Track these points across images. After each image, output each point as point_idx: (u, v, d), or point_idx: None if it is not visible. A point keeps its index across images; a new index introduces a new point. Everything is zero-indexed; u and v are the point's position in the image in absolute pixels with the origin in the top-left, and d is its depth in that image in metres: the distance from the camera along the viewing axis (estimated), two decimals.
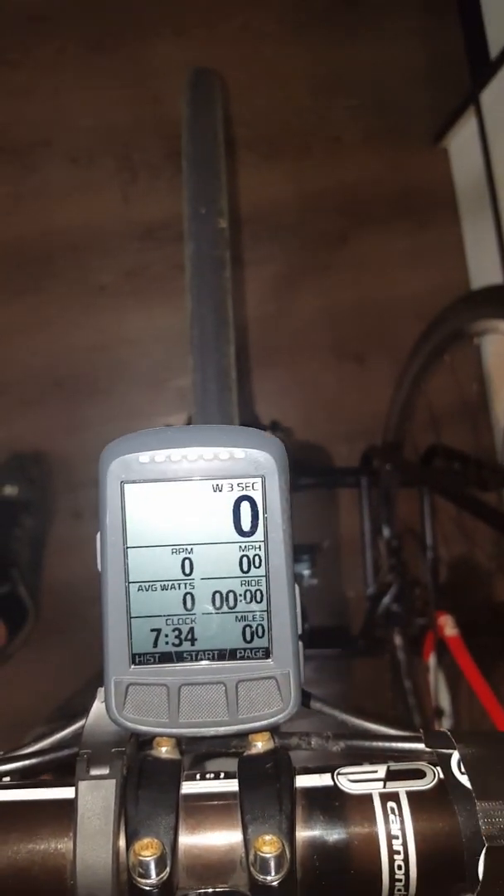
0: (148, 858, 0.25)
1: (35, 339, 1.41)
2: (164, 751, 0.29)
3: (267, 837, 0.25)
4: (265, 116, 1.48)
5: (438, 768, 0.28)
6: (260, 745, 0.29)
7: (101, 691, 0.28)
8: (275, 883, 0.25)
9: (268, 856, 0.25)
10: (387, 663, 1.16)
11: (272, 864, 0.25)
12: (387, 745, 0.30)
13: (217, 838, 0.27)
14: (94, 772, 0.27)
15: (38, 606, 1.32)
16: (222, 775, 0.28)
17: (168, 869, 0.25)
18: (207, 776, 0.28)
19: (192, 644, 0.27)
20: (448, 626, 0.97)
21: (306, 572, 0.56)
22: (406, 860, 0.26)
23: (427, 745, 0.29)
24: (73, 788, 0.27)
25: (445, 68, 1.44)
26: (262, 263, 1.45)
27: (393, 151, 1.48)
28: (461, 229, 1.45)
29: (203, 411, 0.59)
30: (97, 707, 0.29)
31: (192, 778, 0.28)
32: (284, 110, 1.50)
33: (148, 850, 0.25)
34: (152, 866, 0.25)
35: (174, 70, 1.19)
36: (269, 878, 0.25)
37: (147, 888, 0.25)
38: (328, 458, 1.38)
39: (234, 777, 0.28)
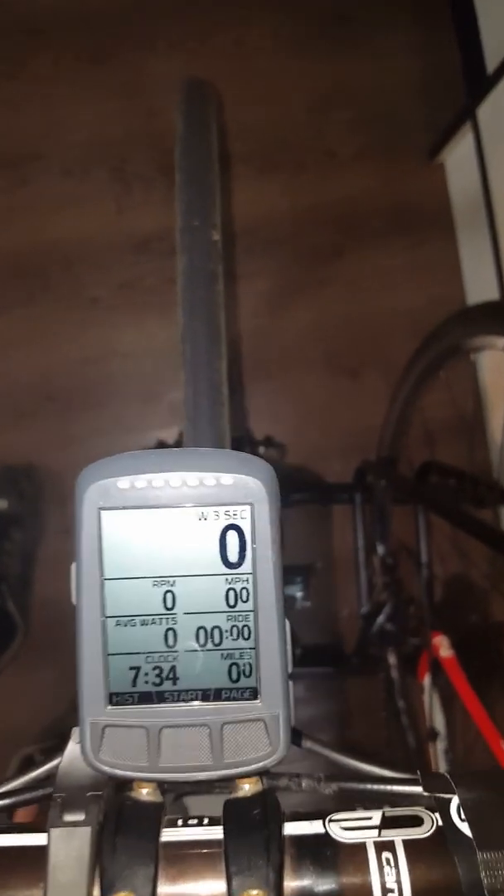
0: None
1: (27, 353, 1.39)
2: (145, 793, 0.27)
3: (253, 892, 0.24)
4: (260, 131, 1.48)
5: (437, 814, 0.27)
6: (247, 787, 0.27)
7: (75, 731, 0.27)
8: None
9: None
10: (380, 682, 1.14)
11: None
12: (382, 787, 0.29)
13: (199, 890, 0.25)
14: (67, 817, 0.26)
15: (28, 622, 1.30)
16: (206, 821, 0.27)
17: None
18: (190, 822, 0.27)
19: (174, 683, 0.26)
20: (443, 647, 0.96)
21: (299, 594, 0.55)
22: None
23: (425, 789, 0.28)
24: (45, 835, 0.25)
25: (442, 83, 1.44)
26: (257, 277, 1.44)
27: (388, 166, 1.48)
28: (457, 245, 1.44)
29: (194, 427, 0.58)
30: (72, 747, 0.27)
31: (174, 824, 0.27)
32: (279, 125, 1.49)
33: None
34: None
35: (168, 83, 1.19)
36: None
37: None
38: (321, 473, 1.36)
39: (218, 823, 0.26)
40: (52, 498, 1.35)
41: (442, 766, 0.99)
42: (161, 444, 1.07)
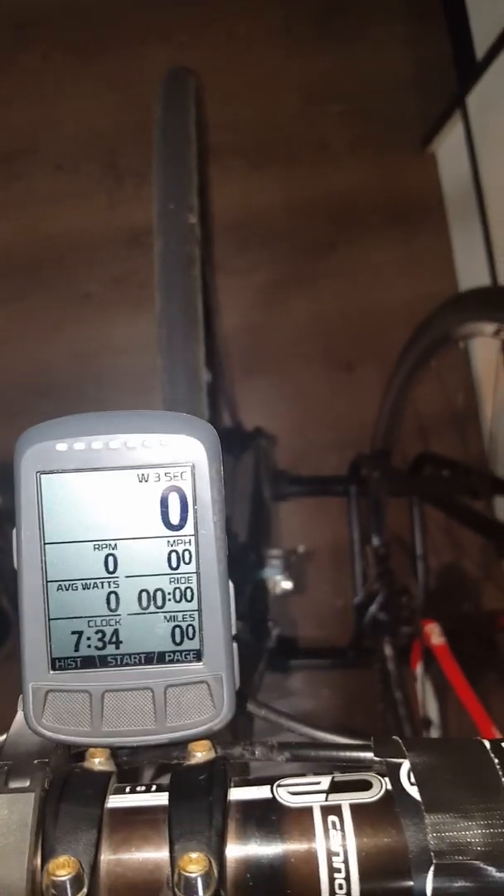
0: (63, 878, 0.23)
1: (20, 348, 1.40)
2: (97, 762, 0.27)
3: (193, 855, 0.23)
4: (253, 123, 1.48)
5: (386, 779, 0.26)
6: (199, 755, 0.27)
7: (21, 699, 0.26)
8: None
9: (193, 875, 0.23)
10: (377, 674, 1.13)
11: (198, 883, 0.23)
12: (335, 753, 0.28)
13: (143, 855, 0.25)
14: (13, 784, 0.25)
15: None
16: (154, 788, 0.26)
17: (85, 889, 0.23)
18: (138, 789, 0.26)
19: (117, 647, 0.25)
20: (435, 635, 0.95)
21: (279, 577, 0.55)
22: (347, 878, 0.24)
23: (376, 755, 0.27)
24: None
25: (432, 74, 1.43)
26: (251, 271, 1.44)
27: (381, 158, 1.47)
28: (449, 235, 1.44)
29: (171, 410, 0.57)
30: (19, 716, 0.27)
31: (122, 791, 0.26)
32: (272, 117, 1.49)
33: (63, 870, 0.23)
34: (67, 887, 0.23)
35: (159, 76, 1.19)
36: None
37: None
38: (317, 466, 1.36)
39: (166, 790, 0.26)
40: None
41: None
42: None
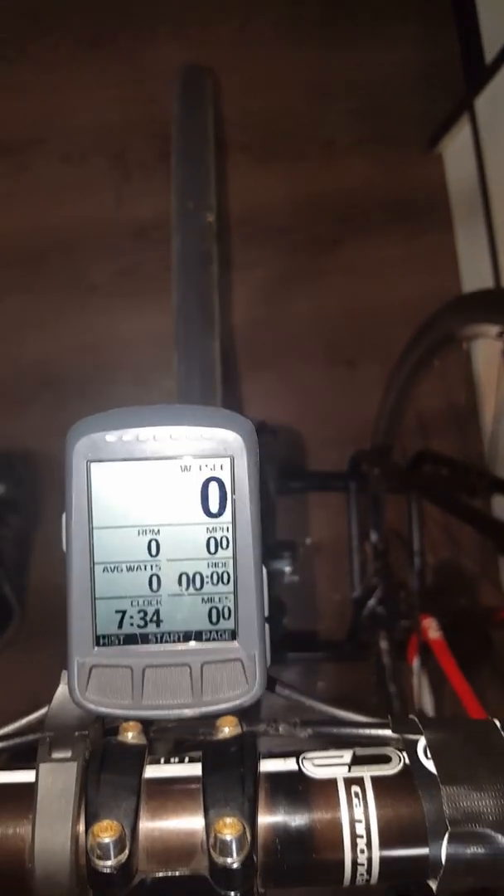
0: (107, 840, 0.25)
1: (25, 339, 1.40)
2: (130, 736, 0.29)
3: (228, 820, 0.25)
4: (260, 119, 1.49)
5: (404, 753, 0.28)
6: (227, 730, 0.29)
7: (64, 674, 0.28)
8: (235, 865, 0.24)
9: (228, 838, 0.25)
10: (372, 667, 1.15)
11: (233, 846, 0.25)
12: (354, 731, 0.30)
13: (178, 822, 0.27)
14: (55, 755, 0.27)
15: (24, 607, 1.31)
16: (187, 759, 0.28)
17: (127, 851, 0.25)
18: (172, 760, 0.28)
19: (158, 626, 0.27)
20: (432, 629, 0.97)
21: (287, 569, 0.56)
22: (369, 844, 0.26)
23: (394, 731, 0.29)
24: (33, 772, 0.27)
25: (441, 74, 1.44)
26: (254, 266, 1.45)
27: (387, 156, 1.49)
28: (454, 235, 1.45)
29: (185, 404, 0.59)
30: (61, 690, 0.29)
31: (157, 762, 0.28)
32: (279, 113, 1.50)
33: (107, 833, 0.25)
34: (111, 848, 0.25)
35: (169, 69, 1.19)
36: (228, 860, 0.25)
37: (106, 870, 0.25)
38: (317, 462, 1.38)
39: (199, 761, 0.28)
40: (49, 484, 1.37)
41: None
42: None
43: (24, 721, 0.32)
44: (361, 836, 0.26)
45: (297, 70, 1.49)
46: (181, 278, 0.62)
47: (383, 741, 0.29)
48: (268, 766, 0.28)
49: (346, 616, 1.19)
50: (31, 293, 1.42)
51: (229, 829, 0.25)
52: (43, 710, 0.31)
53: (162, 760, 0.28)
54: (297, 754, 0.28)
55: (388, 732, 0.29)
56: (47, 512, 1.37)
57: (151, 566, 0.27)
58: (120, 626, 0.27)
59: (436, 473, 1.11)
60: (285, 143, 1.49)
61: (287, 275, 1.46)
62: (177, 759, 0.28)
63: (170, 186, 0.71)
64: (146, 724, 0.29)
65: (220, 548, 0.27)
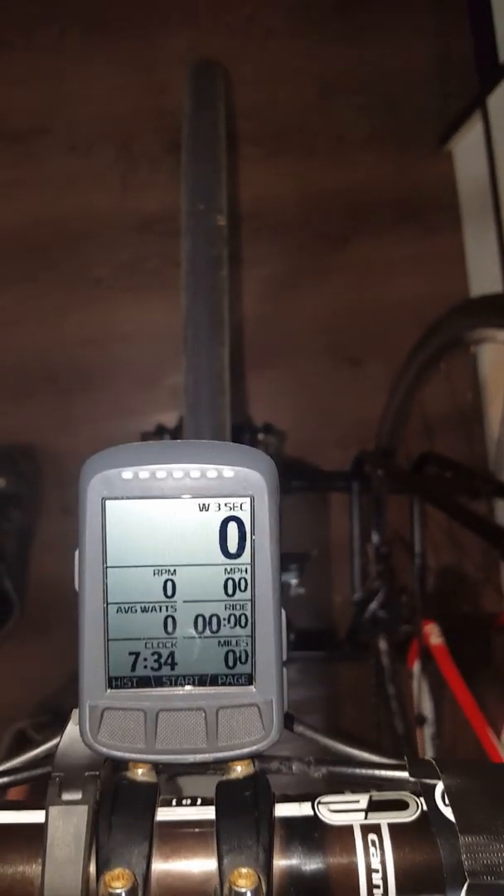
0: (119, 890, 0.24)
1: (28, 332, 1.39)
2: (141, 773, 0.28)
3: (243, 870, 0.25)
4: (269, 112, 1.47)
5: (422, 799, 0.27)
6: (240, 769, 0.28)
7: (75, 713, 0.27)
8: None
9: (243, 889, 0.24)
10: (371, 668, 1.15)
11: None
12: (369, 772, 0.29)
13: (192, 867, 0.26)
14: (66, 796, 0.26)
15: (24, 600, 1.31)
16: (199, 801, 0.28)
17: None
18: (184, 802, 0.28)
19: (172, 669, 0.26)
20: (433, 635, 0.97)
21: (294, 581, 0.56)
22: (385, 893, 0.25)
23: (411, 775, 0.28)
24: (42, 812, 0.26)
25: (454, 70, 1.42)
26: (261, 262, 1.44)
27: (397, 153, 1.47)
28: (463, 235, 1.44)
29: (194, 416, 0.58)
30: (71, 728, 0.28)
31: (169, 804, 0.28)
32: (289, 106, 1.48)
33: (119, 882, 0.24)
34: None
35: (178, 59, 1.17)
36: None
37: None
38: (320, 461, 1.37)
39: (211, 804, 0.27)
40: (51, 478, 1.36)
41: (429, 752, 1.01)
42: (161, 428, 1.08)
43: (32, 753, 0.31)
44: (378, 887, 0.25)
45: (308, 63, 1.47)
46: (191, 282, 0.61)
47: (399, 784, 0.29)
48: (282, 810, 0.27)
49: (347, 617, 1.19)
50: (34, 286, 1.41)
51: (245, 879, 0.24)
52: (51, 743, 0.30)
53: (174, 802, 0.28)
54: (312, 798, 0.28)
55: (404, 775, 0.29)
56: (48, 507, 1.36)
57: (167, 607, 0.26)
58: (133, 668, 0.26)
59: (440, 476, 1.10)
60: (294, 138, 1.47)
61: (294, 271, 1.45)
62: (189, 802, 0.27)
63: (178, 180, 0.70)
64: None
65: (238, 590, 0.26)
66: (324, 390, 1.41)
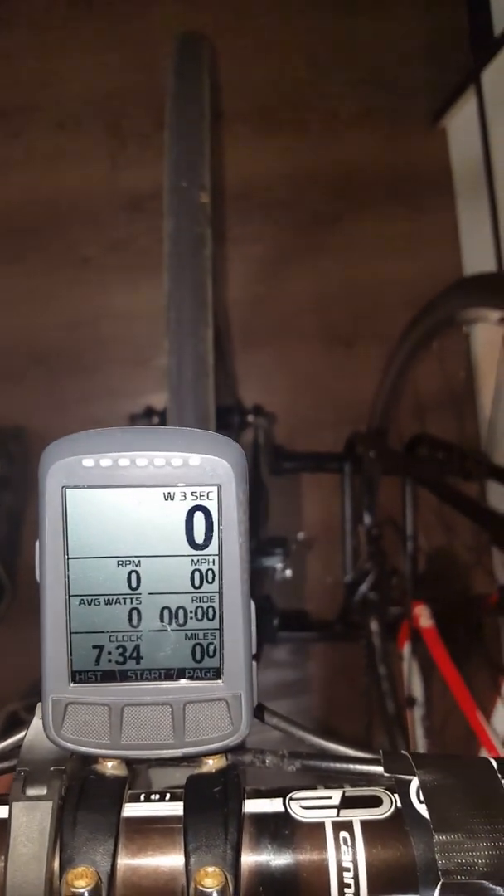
0: (81, 889, 0.23)
1: (16, 312, 1.37)
2: (110, 766, 0.27)
3: (209, 869, 0.24)
4: (260, 87, 1.44)
5: (396, 795, 0.27)
6: (211, 762, 0.28)
7: (39, 707, 0.27)
8: None
9: (209, 889, 0.23)
10: (362, 649, 1.15)
11: None
12: (344, 766, 0.29)
13: (159, 865, 0.25)
14: (30, 791, 0.26)
15: (16, 584, 1.30)
16: (168, 796, 0.27)
17: None
18: (152, 797, 0.27)
19: (138, 662, 0.26)
20: (423, 617, 0.97)
21: (279, 565, 0.55)
22: (357, 893, 0.25)
23: (385, 770, 0.28)
24: (6, 807, 0.26)
25: (448, 46, 1.39)
26: (252, 241, 1.42)
27: (390, 129, 1.44)
28: (456, 213, 1.42)
29: (177, 398, 0.57)
30: (36, 723, 0.27)
31: (136, 799, 0.27)
32: (281, 82, 1.45)
33: (82, 880, 0.24)
34: None
35: (168, 34, 1.14)
36: None
37: None
38: (313, 443, 1.36)
39: (180, 799, 0.27)
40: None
41: (419, 732, 1.01)
42: (150, 410, 1.07)
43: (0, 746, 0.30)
44: (349, 886, 0.25)
45: (300, 39, 1.44)
46: (173, 263, 0.60)
47: (374, 779, 0.28)
48: (253, 806, 0.26)
49: (338, 598, 1.19)
50: (22, 265, 1.39)
51: (211, 878, 0.24)
52: (18, 737, 0.29)
53: (142, 797, 0.27)
54: (283, 794, 0.27)
55: (379, 770, 0.28)
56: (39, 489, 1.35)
57: (131, 599, 0.25)
58: (97, 662, 0.25)
59: (431, 458, 1.09)
60: (286, 115, 1.44)
61: (285, 251, 1.43)
62: (157, 797, 0.27)
63: (164, 160, 0.68)
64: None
65: (205, 581, 0.25)
66: (315, 371, 1.40)
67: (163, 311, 0.61)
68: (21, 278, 1.38)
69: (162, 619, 0.25)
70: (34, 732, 0.27)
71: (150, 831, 0.26)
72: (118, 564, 0.25)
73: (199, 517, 0.25)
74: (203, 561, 0.25)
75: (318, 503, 1.36)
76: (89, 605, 0.25)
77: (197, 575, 0.25)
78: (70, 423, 1.33)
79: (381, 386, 1.20)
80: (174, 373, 0.58)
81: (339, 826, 0.26)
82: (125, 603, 0.25)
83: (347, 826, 0.26)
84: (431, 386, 1.16)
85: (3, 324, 1.36)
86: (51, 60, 1.40)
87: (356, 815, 0.26)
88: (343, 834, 0.25)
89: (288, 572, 0.54)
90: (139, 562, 0.25)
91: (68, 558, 0.25)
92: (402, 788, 0.27)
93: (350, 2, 1.45)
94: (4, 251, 1.38)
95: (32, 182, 1.40)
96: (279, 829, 0.26)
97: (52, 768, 0.26)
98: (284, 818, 0.26)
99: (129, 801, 0.27)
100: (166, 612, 0.25)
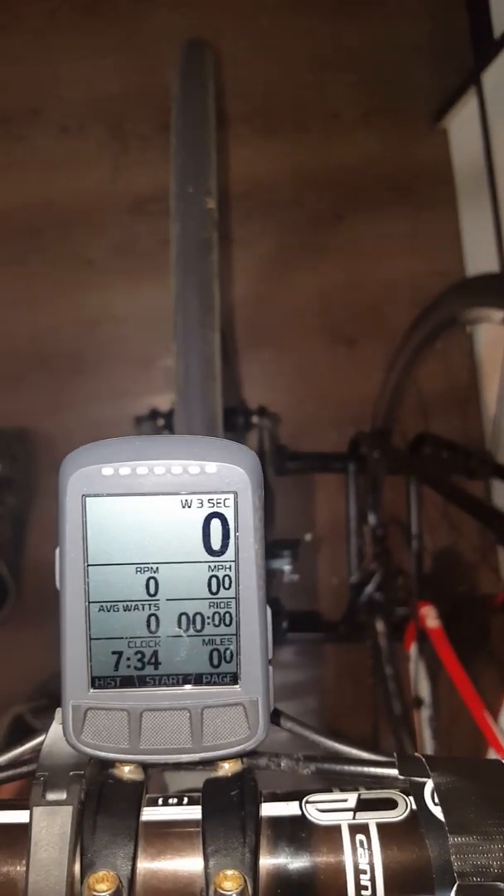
0: (103, 893, 0.24)
1: (20, 315, 1.38)
2: (127, 770, 0.28)
3: (229, 872, 0.24)
4: (262, 89, 1.44)
5: (411, 798, 0.27)
6: (227, 766, 0.28)
7: (59, 712, 0.27)
8: None
9: (228, 893, 0.24)
10: (368, 649, 1.16)
11: None
12: (358, 769, 0.29)
13: (178, 868, 0.26)
14: (50, 796, 0.26)
15: (19, 585, 1.31)
16: (185, 800, 0.27)
17: None
18: (170, 801, 0.27)
19: (156, 668, 0.26)
20: (430, 617, 0.97)
21: (287, 568, 0.55)
22: (374, 895, 0.25)
23: (400, 773, 0.28)
24: (27, 811, 0.26)
25: (449, 47, 1.40)
26: (254, 242, 1.42)
27: (392, 130, 1.44)
28: (458, 213, 1.42)
29: (185, 401, 0.57)
30: (55, 727, 0.28)
31: (154, 803, 0.27)
32: (282, 84, 1.45)
33: (103, 884, 0.24)
34: None
35: (170, 38, 1.15)
36: None
37: None
38: (317, 443, 1.36)
39: (197, 802, 0.27)
40: (45, 462, 1.35)
41: (426, 734, 1.01)
42: (154, 413, 1.07)
43: (18, 751, 0.31)
44: (366, 888, 0.25)
45: (302, 39, 1.44)
46: (180, 267, 0.60)
47: (389, 782, 0.28)
48: (269, 809, 0.27)
49: (344, 598, 1.19)
50: (26, 267, 1.39)
51: (230, 882, 0.24)
52: (37, 741, 0.30)
53: (160, 801, 0.27)
54: (299, 797, 0.27)
55: (393, 772, 0.28)
56: (43, 491, 1.35)
57: (149, 606, 0.26)
58: (116, 667, 0.26)
59: (435, 457, 1.10)
60: (288, 115, 1.44)
61: (287, 251, 1.43)
62: (175, 801, 0.27)
63: (168, 160, 0.69)
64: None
65: (222, 587, 0.25)
66: (319, 371, 1.40)
67: (167, 313, 0.62)
68: (24, 280, 1.38)
69: (180, 625, 0.26)
70: (53, 738, 0.28)
71: (168, 835, 0.26)
72: (137, 571, 0.25)
73: (215, 524, 0.25)
74: (220, 567, 0.25)
75: (322, 503, 1.36)
76: (108, 611, 0.25)
77: (214, 581, 0.25)
78: (73, 425, 1.33)
79: (384, 385, 1.20)
80: (182, 376, 0.58)
81: (355, 829, 0.26)
82: (144, 609, 0.26)
83: (363, 829, 0.26)
84: (435, 385, 1.16)
85: (7, 326, 1.37)
86: (53, 64, 1.41)
87: (372, 818, 0.26)
88: (359, 836, 0.26)
89: (296, 576, 0.54)
90: (157, 568, 0.25)
91: (88, 565, 0.25)
92: (416, 791, 0.27)
93: (351, 4, 1.45)
94: (8, 254, 1.38)
95: (36, 185, 1.40)
96: (296, 832, 0.26)
97: (71, 773, 0.27)
98: (301, 821, 0.26)
99: (147, 805, 0.27)
100: (184, 618, 0.26)
